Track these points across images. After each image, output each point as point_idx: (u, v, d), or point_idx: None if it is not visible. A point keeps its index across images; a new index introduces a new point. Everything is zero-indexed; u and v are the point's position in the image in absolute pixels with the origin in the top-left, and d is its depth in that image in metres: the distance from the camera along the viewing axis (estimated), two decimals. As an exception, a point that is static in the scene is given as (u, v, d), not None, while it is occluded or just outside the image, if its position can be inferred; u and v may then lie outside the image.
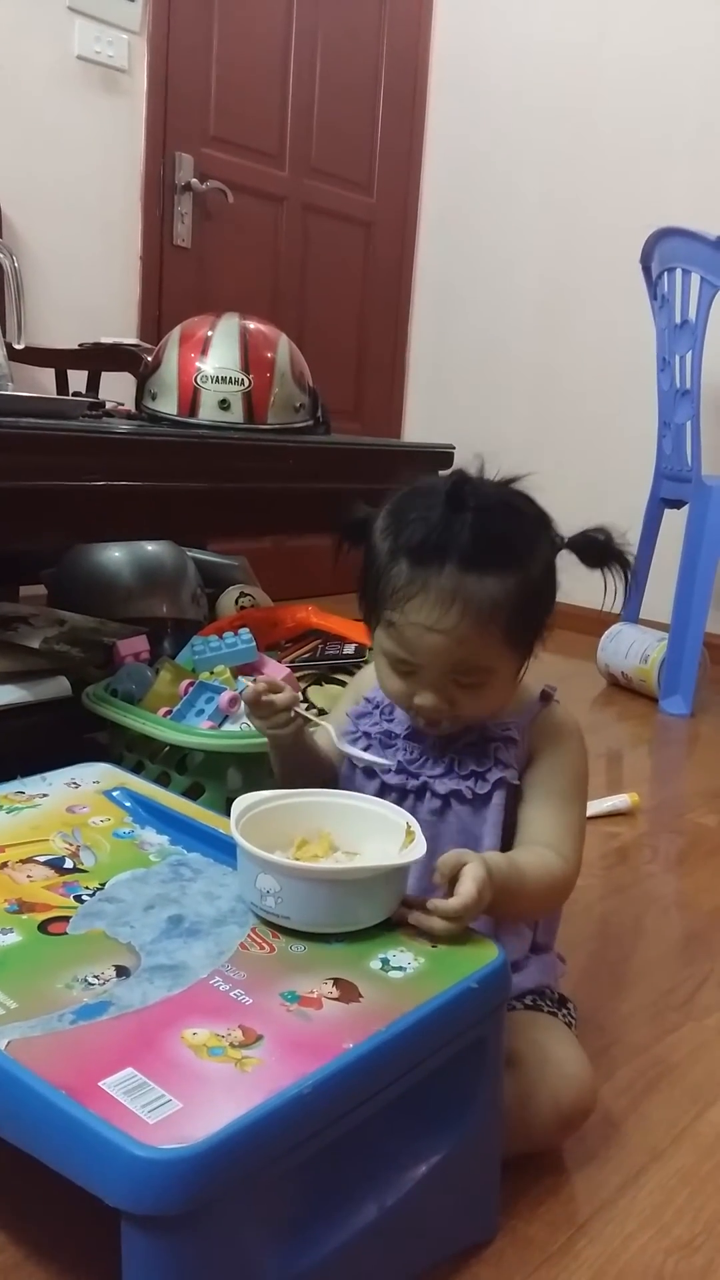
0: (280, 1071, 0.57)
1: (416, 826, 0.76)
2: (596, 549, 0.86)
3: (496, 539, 0.79)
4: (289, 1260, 0.59)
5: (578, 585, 0.87)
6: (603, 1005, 1.06)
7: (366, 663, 1.41)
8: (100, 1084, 0.55)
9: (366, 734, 0.91)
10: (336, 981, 0.67)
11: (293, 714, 0.88)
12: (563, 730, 0.90)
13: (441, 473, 0.92)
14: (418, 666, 0.82)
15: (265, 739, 0.91)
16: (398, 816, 0.78)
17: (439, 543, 0.79)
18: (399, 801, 0.87)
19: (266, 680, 0.88)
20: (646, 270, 2.47)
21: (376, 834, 0.78)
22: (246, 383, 1.40)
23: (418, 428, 3.47)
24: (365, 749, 0.90)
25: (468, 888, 0.72)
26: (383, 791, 0.88)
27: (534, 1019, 0.86)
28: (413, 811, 0.86)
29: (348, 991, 0.66)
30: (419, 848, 0.74)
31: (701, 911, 1.34)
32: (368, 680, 0.96)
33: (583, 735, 0.91)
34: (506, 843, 0.87)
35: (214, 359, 1.40)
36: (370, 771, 0.89)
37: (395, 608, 0.81)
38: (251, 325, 1.45)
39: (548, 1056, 0.82)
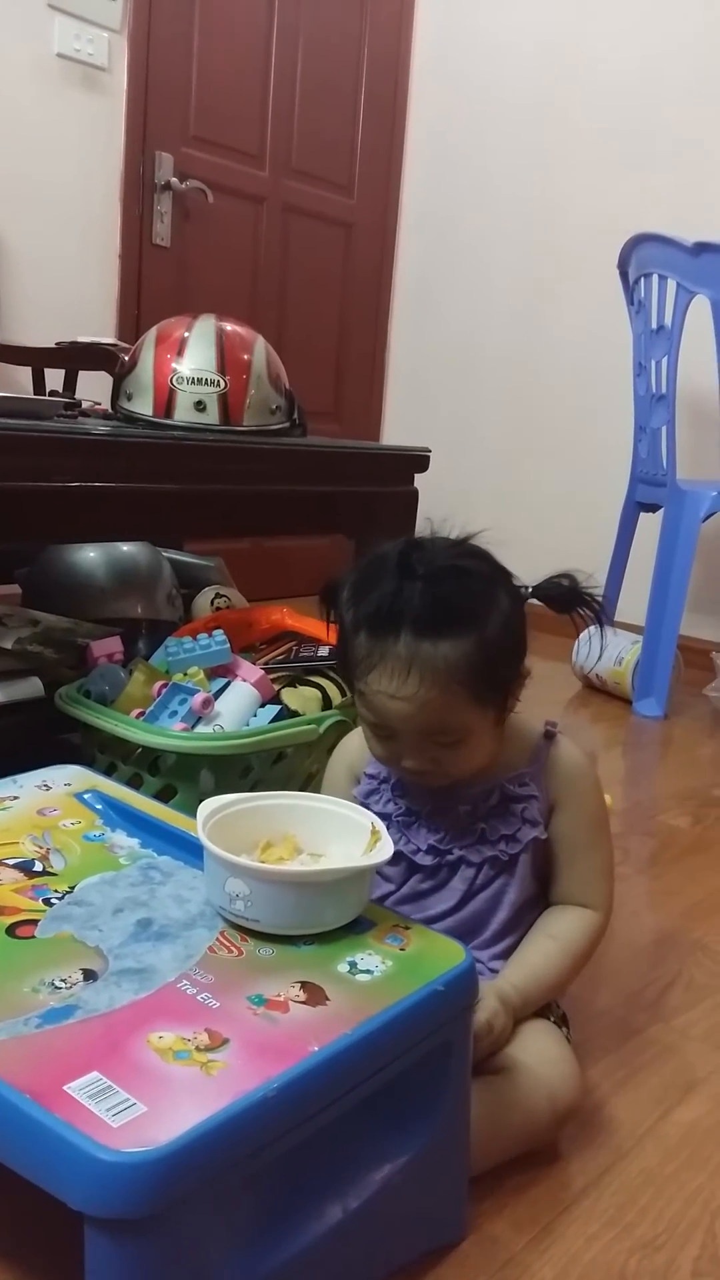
0: (245, 1075, 0.58)
1: (382, 827, 0.77)
2: (563, 595, 0.89)
3: (448, 604, 0.81)
4: (252, 1263, 0.59)
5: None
6: (571, 1006, 1.06)
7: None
8: (65, 1088, 0.55)
9: (384, 815, 0.92)
10: (304, 985, 0.67)
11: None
12: (578, 774, 0.92)
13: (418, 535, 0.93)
14: (394, 731, 0.84)
15: (238, 741, 0.92)
16: (362, 818, 0.79)
17: (391, 611, 0.81)
18: (430, 876, 0.91)
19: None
20: (624, 275, 2.48)
21: (341, 836, 0.79)
22: (222, 384, 1.40)
23: (397, 429, 3.48)
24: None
25: (479, 1019, 0.79)
26: (413, 869, 0.91)
27: (526, 1025, 0.87)
28: (446, 881, 0.91)
29: (315, 994, 0.66)
30: (385, 849, 0.75)
31: (671, 913, 1.35)
32: (355, 751, 0.97)
33: (593, 769, 0.94)
34: (538, 889, 0.92)
35: (190, 360, 1.41)
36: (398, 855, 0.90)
37: (361, 678, 0.83)
38: (228, 327, 1.45)
39: (543, 1057, 0.84)
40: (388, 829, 0.90)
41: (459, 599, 0.82)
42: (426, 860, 0.90)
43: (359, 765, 0.97)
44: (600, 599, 0.91)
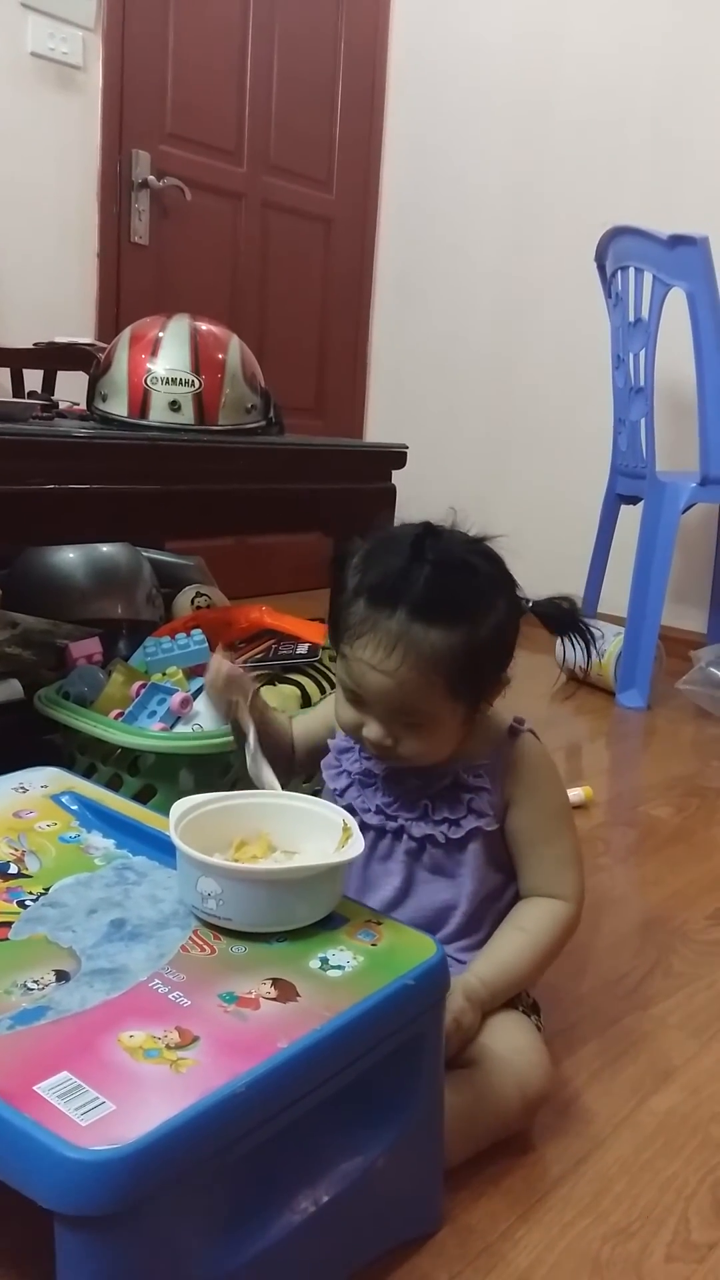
0: (214, 1072, 0.58)
1: (354, 824, 0.78)
2: (561, 618, 0.91)
3: (448, 594, 0.82)
4: (223, 1258, 0.60)
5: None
6: (552, 995, 1.08)
7: (320, 662, 1.42)
8: (35, 1088, 0.56)
9: (349, 772, 0.94)
10: (275, 981, 0.68)
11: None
12: (535, 769, 0.93)
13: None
14: (365, 701, 0.86)
15: (217, 741, 0.93)
16: (335, 815, 0.80)
17: (394, 588, 0.82)
18: (376, 841, 0.92)
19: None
20: (601, 268, 2.49)
21: (314, 833, 0.80)
22: (197, 384, 1.40)
23: (380, 424, 3.49)
24: (347, 786, 0.94)
25: (445, 1019, 0.78)
26: (362, 829, 0.91)
27: (495, 1015, 0.88)
28: (389, 852, 0.92)
29: (286, 991, 0.67)
30: (356, 845, 0.75)
31: (651, 903, 1.36)
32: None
33: (553, 762, 0.96)
34: (501, 880, 0.93)
35: (164, 360, 1.41)
36: (350, 806, 0.92)
37: (349, 642, 0.85)
38: (202, 326, 1.46)
39: (512, 1046, 0.85)
40: (350, 788, 0.93)
41: (460, 593, 0.83)
42: (373, 820, 0.91)
43: None
44: (593, 632, 0.94)
